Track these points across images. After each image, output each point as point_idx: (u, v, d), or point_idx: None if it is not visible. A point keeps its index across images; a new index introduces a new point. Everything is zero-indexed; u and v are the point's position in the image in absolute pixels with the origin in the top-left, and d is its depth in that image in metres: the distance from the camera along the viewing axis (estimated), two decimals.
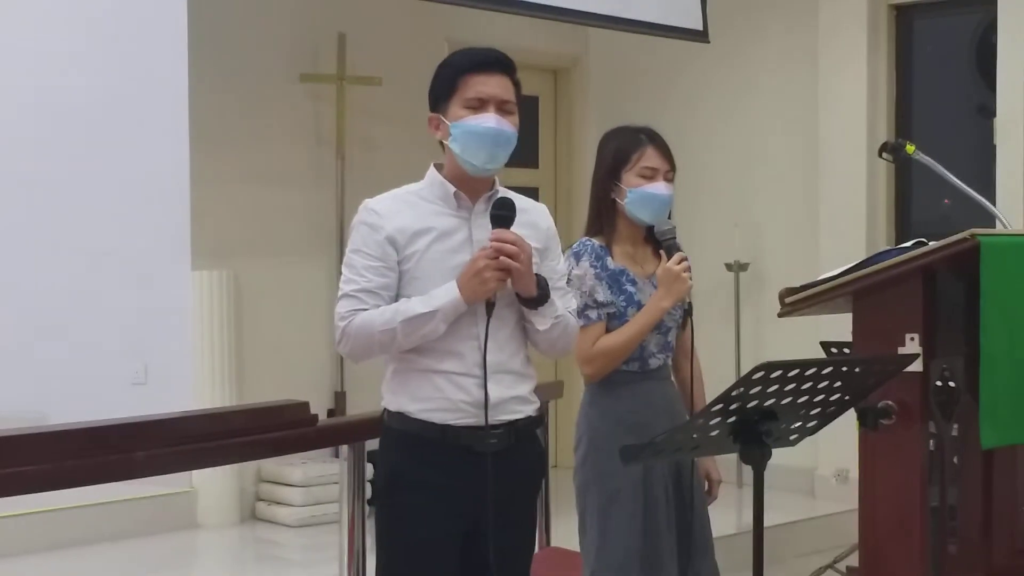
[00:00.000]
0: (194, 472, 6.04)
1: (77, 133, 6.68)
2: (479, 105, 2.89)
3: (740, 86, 7.35)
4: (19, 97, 6.86)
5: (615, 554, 3.44)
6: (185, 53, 6.28)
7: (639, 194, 3.50)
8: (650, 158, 3.52)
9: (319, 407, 6.44)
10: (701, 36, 6.70)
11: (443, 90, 2.93)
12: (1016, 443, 3.45)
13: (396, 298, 2.88)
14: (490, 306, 2.83)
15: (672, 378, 3.66)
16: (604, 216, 3.57)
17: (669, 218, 3.55)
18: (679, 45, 6.96)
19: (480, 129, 2.87)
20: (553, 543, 4.92)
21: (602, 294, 3.48)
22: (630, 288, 3.50)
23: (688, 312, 3.52)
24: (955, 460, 3.48)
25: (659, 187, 3.51)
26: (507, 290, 2.87)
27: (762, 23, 7.26)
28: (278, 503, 6.42)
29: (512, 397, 2.91)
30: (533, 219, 3.02)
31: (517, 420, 2.92)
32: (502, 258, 2.79)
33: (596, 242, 3.54)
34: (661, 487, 3.48)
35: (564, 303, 3.02)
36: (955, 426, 3.44)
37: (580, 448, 3.57)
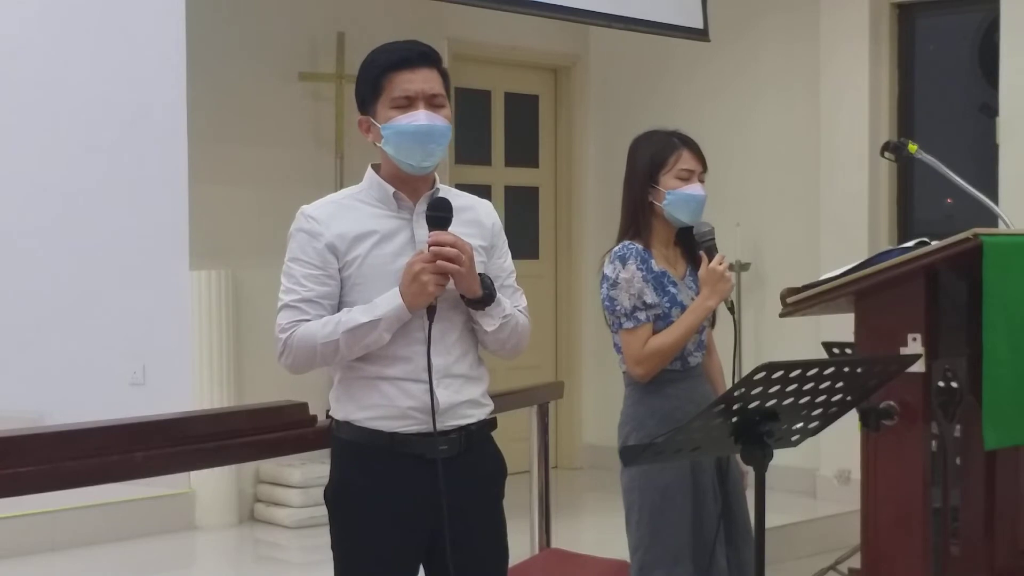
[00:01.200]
0: (193, 473, 6.03)
1: (76, 133, 6.69)
2: (407, 103, 2.80)
3: (741, 84, 7.34)
4: (18, 98, 6.87)
5: (668, 548, 3.49)
6: (183, 52, 6.27)
7: (678, 196, 3.55)
8: (686, 160, 3.59)
9: (318, 407, 6.40)
10: (702, 35, 6.68)
11: (368, 91, 2.85)
12: (1019, 444, 3.44)
13: (338, 306, 2.82)
14: (431, 310, 2.75)
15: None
16: (641, 219, 3.61)
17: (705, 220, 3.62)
18: (680, 44, 6.95)
19: (411, 128, 2.79)
20: (553, 543, 4.91)
21: (650, 296, 3.52)
22: (672, 290, 3.56)
23: (731, 310, 3.58)
24: (957, 461, 3.47)
25: (696, 188, 3.58)
26: (451, 292, 2.78)
27: (764, 22, 7.25)
28: (277, 504, 6.41)
29: (463, 401, 2.84)
30: (477, 216, 2.93)
31: (470, 424, 2.85)
32: (440, 261, 2.71)
33: (638, 245, 3.58)
34: (708, 478, 3.54)
35: (514, 301, 2.94)
36: (957, 427, 3.43)
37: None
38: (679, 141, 3.61)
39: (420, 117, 2.79)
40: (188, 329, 6.26)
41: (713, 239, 3.56)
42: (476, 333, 2.88)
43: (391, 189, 2.85)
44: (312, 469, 6.36)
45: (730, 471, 3.59)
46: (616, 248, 3.60)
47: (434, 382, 2.76)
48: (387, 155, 2.84)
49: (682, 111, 7.15)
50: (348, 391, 2.86)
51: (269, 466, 6.44)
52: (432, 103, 2.82)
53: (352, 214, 2.85)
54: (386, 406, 2.80)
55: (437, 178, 2.91)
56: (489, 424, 2.93)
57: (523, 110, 8.02)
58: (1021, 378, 3.26)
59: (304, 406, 3.52)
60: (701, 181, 3.60)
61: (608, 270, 3.58)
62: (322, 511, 6.61)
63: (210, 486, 6.29)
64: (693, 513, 3.50)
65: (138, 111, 6.49)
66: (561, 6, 6.04)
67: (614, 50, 7.78)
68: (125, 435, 3.10)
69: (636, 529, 3.56)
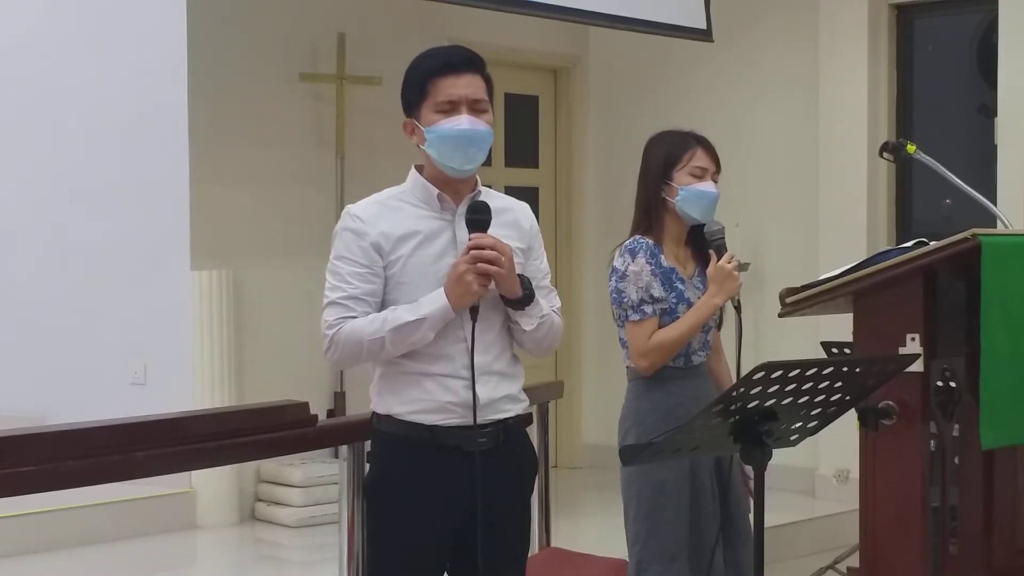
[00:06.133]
0: (194, 472, 6.04)
1: (78, 134, 6.69)
2: (450, 108, 2.87)
3: (741, 85, 7.34)
4: (20, 99, 6.88)
5: (664, 544, 3.51)
6: (185, 53, 6.28)
7: (690, 192, 3.59)
8: (700, 158, 3.63)
9: (319, 407, 6.43)
10: (705, 35, 6.67)
11: (413, 95, 2.92)
12: (1016, 443, 3.45)
13: (382, 303, 2.89)
14: (474, 311, 2.83)
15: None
16: (654, 215, 3.65)
17: (715, 219, 3.64)
18: (680, 44, 6.96)
19: (454, 132, 2.85)
20: (553, 543, 4.92)
21: (657, 290, 3.56)
22: (680, 286, 3.60)
23: (737, 309, 3.62)
24: (956, 460, 3.48)
25: (709, 186, 3.62)
26: (492, 292, 2.87)
27: (763, 23, 7.26)
28: (278, 503, 6.42)
29: (501, 397, 2.93)
30: (516, 218, 3.03)
31: (507, 419, 2.93)
32: (480, 264, 2.79)
33: (649, 240, 3.61)
34: (707, 476, 3.55)
35: (549, 302, 3.02)
36: (956, 426, 3.44)
37: (627, 441, 3.61)
38: (694, 140, 3.66)
39: (463, 122, 2.85)
40: (189, 329, 6.27)
41: (723, 238, 3.60)
42: (512, 332, 2.96)
43: (435, 191, 2.91)
44: (313, 468, 6.37)
45: (732, 472, 3.59)
46: (627, 242, 3.64)
47: (475, 378, 2.84)
48: (430, 157, 2.90)
49: (682, 111, 7.15)
50: (391, 386, 2.93)
51: (270, 465, 6.45)
52: (475, 108, 2.88)
53: (396, 214, 2.91)
54: (427, 400, 2.88)
55: (479, 180, 2.98)
56: (525, 419, 3.02)
57: (523, 110, 8.02)
58: (1019, 378, 3.27)
59: (305, 406, 3.53)
60: (715, 180, 3.64)
61: (618, 263, 3.62)
62: (323, 510, 6.65)
63: (211, 485, 6.29)
64: (691, 511, 3.52)
65: (140, 112, 6.49)
66: (561, 7, 6.03)
67: (614, 50, 7.78)
68: (126, 435, 3.11)
69: (633, 524, 3.59)
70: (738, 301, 3.61)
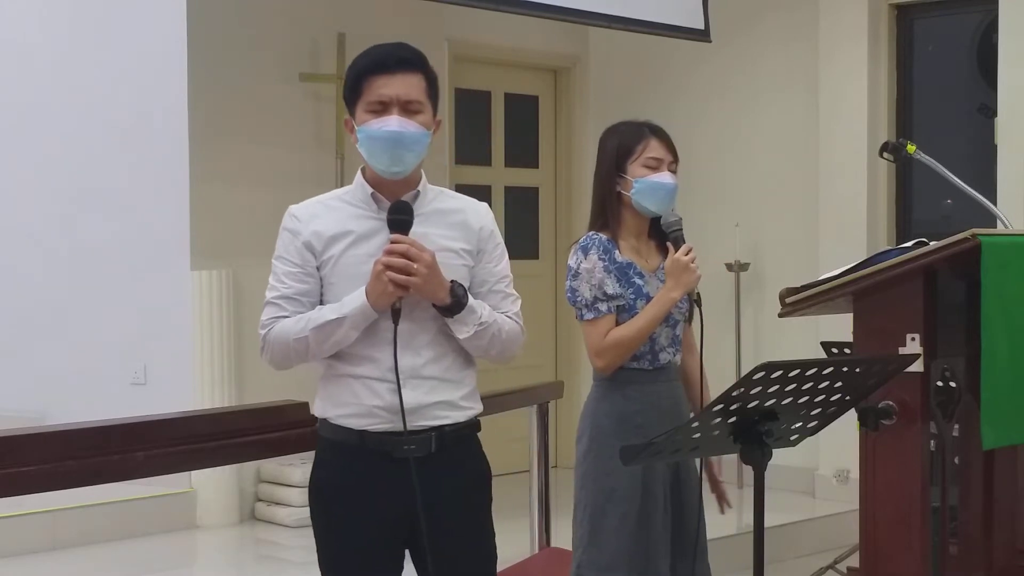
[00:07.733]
0: (194, 472, 6.04)
1: (78, 134, 6.70)
2: (381, 108, 2.80)
3: (741, 85, 7.35)
4: (21, 100, 6.89)
5: (603, 553, 3.44)
6: (185, 52, 6.28)
7: (645, 184, 3.50)
8: (654, 149, 3.53)
9: None
10: (703, 35, 6.68)
11: (350, 94, 2.87)
12: (1016, 443, 3.45)
13: (321, 304, 2.84)
14: (395, 312, 2.76)
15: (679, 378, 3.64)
16: (609, 210, 3.57)
17: (673, 210, 3.55)
18: (680, 44, 6.96)
19: (381, 133, 2.79)
20: (553, 543, 4.92)
21: (611, 287, 3.47)
22: (638, 281, 3.50)
23: (697, 303, 3.51)
24: (956, 460, 3.48)
25: (664, 176, 3.52)
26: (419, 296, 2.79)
27: (763, 22, 7.26)
28: (278, 503, 6.42)
29: (435, 403, 2.83)
30: (465, 219, 2.93)
31: (443, 426, 2.84)
32: (390, 273, 2.72)
33: (603, 236, 3.54)
34: (659, 488, 3.46)
35: (504, 307, 2.94)
36: (956, 426, 3.45)
37: (582, 442, 3.57)
38: (648, 130, 3.55)
39: (391, 123, 2.79)
40: (189, 329, 6.27)
41: (680, 229, 3.49)
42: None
43: (370, 190, 2.87)
44: None
45: (689, 480, 3.51)
46: (581, 239, 3.57)
47: (402, 382, 2.76)
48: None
49: (682, 111, 7.17)
50: (325, 388, 2.89)
51: (270, 465, 6.45)
52: (407, 109, 2.81)
53: (333, 214, 2.87)
54: (355, 404, 2.82)
55: (424, 178, 2.91)
56: (469, 426, 2.91)
57: (523, 110, 8.02)
58: (1019, 377, 3.27)
59: (305, 406, 3.53)
60: (672, 171, 3.53)
61: (571, 261, 3.54)
62: None
63: (211, 485, 6.30)
64: (637, 521, 3.42)
65: (140, 112, 6.50)
66: (561, 7, 6.04)
67: (614, 50, 7.79)
68: (126, 435, 3.12)
69: (579, 528, 3.51)
70: (697, 294, 3.48)
